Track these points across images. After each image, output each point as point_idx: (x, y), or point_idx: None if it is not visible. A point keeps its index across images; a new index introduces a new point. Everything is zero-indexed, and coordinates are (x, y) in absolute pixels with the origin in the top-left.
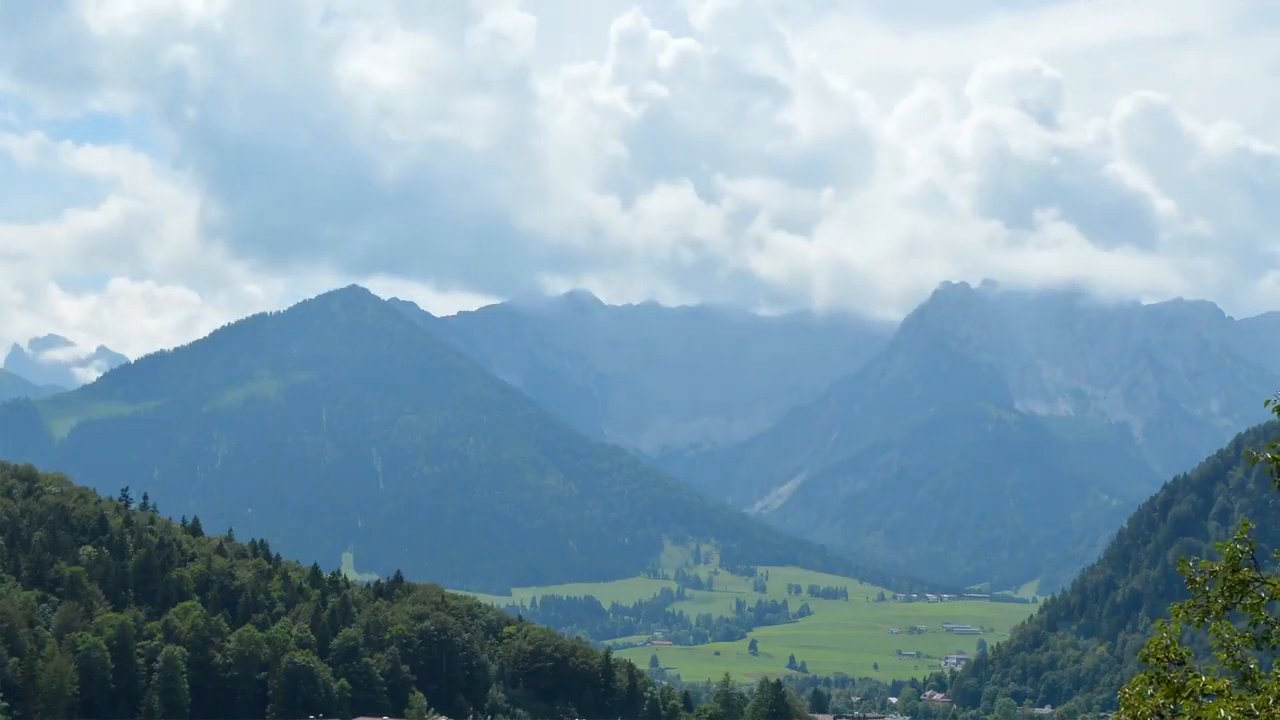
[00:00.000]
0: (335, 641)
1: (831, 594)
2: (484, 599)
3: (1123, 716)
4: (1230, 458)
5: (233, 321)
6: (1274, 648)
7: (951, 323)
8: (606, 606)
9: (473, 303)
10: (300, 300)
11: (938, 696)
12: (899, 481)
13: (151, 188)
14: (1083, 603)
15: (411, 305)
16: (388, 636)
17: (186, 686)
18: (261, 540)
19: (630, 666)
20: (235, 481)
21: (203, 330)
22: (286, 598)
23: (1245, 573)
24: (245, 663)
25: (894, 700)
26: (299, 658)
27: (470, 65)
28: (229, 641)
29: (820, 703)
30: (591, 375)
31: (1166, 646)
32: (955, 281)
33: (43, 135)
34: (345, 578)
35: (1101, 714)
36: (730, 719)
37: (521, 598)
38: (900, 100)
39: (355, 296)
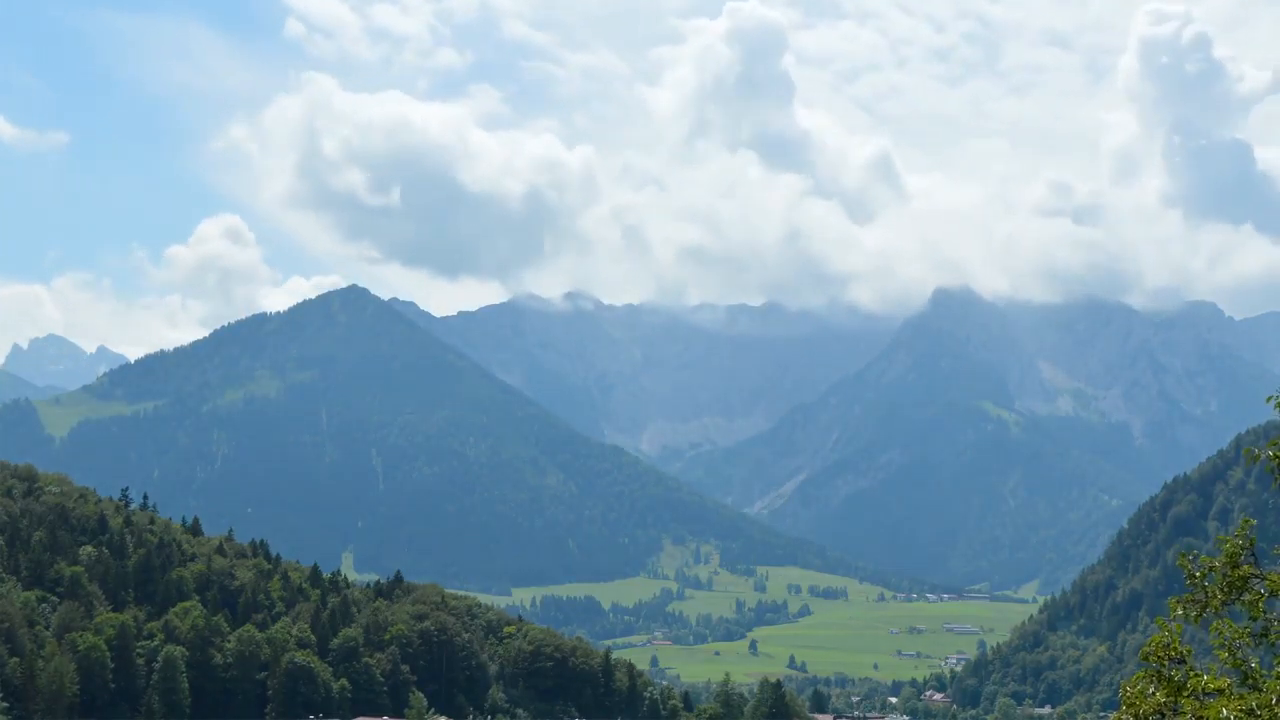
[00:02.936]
0: (335, 641)
1: (831, 594)
2: (484, 599)
3: (1124, 714)
4: (1230, 458)
5: (232, 321)
6: (1273, 644)
7: (951, 323)
8: (606, 606)
9: (473, 303)
10: (300, 300)
11: (938, 696)
12: (899, 481)
13: None
14: (1083, 603)
15: (411, 305)
16: (388, 636)
17: (186, 686)
18: (261, 540)
19: (630, 666)
20: (235, 481)
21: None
22: (286, 598)
23: (1245, 569)
24: (245, 663)
25: (894, 700)
26: (299, 658)
27: None
28: (229, 641)
29: (820, 703)
30: (591, 375)
31: (1167, 645)
32: (956, 282)
33: None
34: (345, 578)
35: (1101, 714)
36: (730, 719)
37: (521, 598)
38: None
39: (355, 296)
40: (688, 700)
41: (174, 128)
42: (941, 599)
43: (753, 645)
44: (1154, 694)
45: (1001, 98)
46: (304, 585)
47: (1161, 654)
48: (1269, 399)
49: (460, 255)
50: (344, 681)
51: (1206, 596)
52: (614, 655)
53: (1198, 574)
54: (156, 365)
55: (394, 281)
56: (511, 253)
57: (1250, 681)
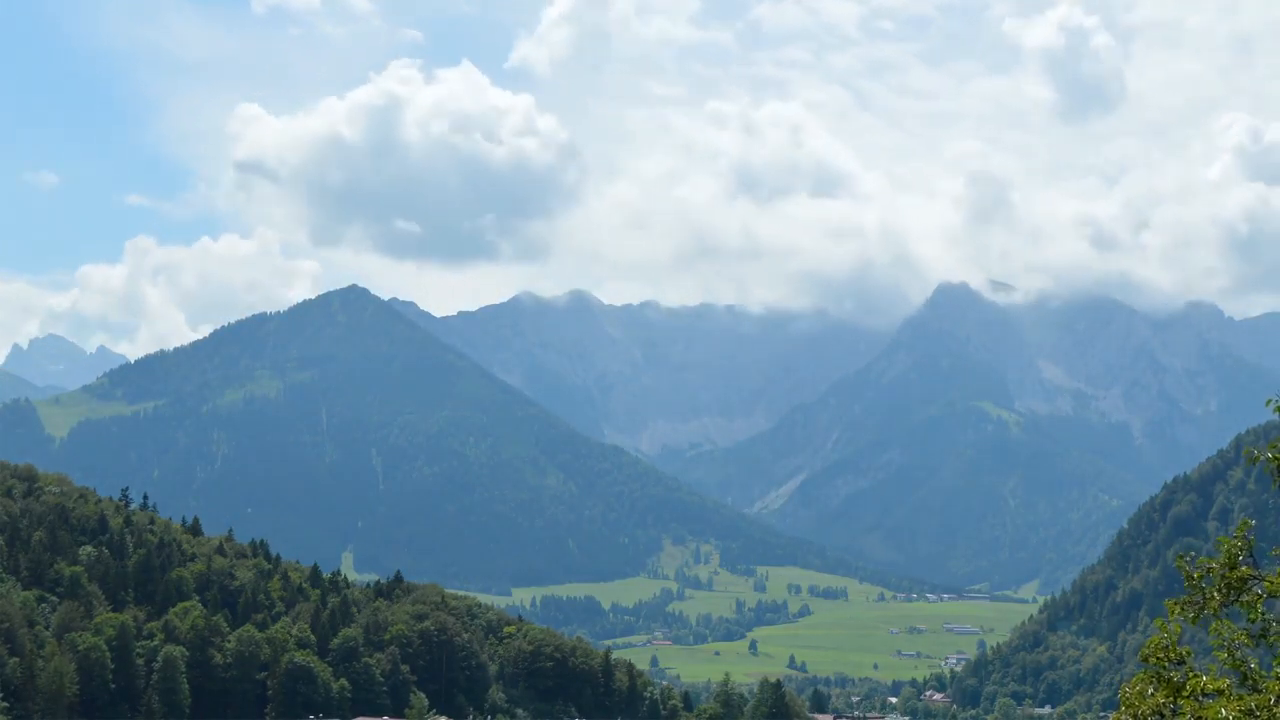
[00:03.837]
0: (335, 641)
1: (831, 594)
2: (484, 599)
3: (1123, 715)
4: (1230, 458)
5: (232, 321)
6: (1272, 645)
7: (951, 323)
8: (606, 606)
9: (473, 303)
10: (300, 300)
11: (938, 696)
12: (899, 481)
13: None
14: (1083, 603)
15: (411, 305)
16: (388, 636)
17: (186, 686)
18: (261, 540)
19: (630, 666)
20: (235, 481)
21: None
22: (286, 598)
23: (1244, 570)
24: (245, 663)
25: (894, 700)
26: (299, 658)
27: None
28: (229, 641)
29: (820, 703)
30: (591, 375)
31: (1166, 646)
32: (955, 281)
33: None
34: (345, 578)
35: (1101, 714)
36: (730, 719)
37: (521, 598)
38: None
39: (355, 296)
40: (688, 700)
41: (133, 97)
42: (941, 599)
43: (753, 645)
44: (1153, 695)
45: (981, 76)
46: (304, 585)
47: (1160, 655)
48: (1269, 402)
49: (447, 238)
50: (344, 681)
51: (1204, 598)
52: (614, 655)
53: (1196, 575)
54: (156, 365)
55: (365, 262)
56: (501, 234)
57: (1249, 682)
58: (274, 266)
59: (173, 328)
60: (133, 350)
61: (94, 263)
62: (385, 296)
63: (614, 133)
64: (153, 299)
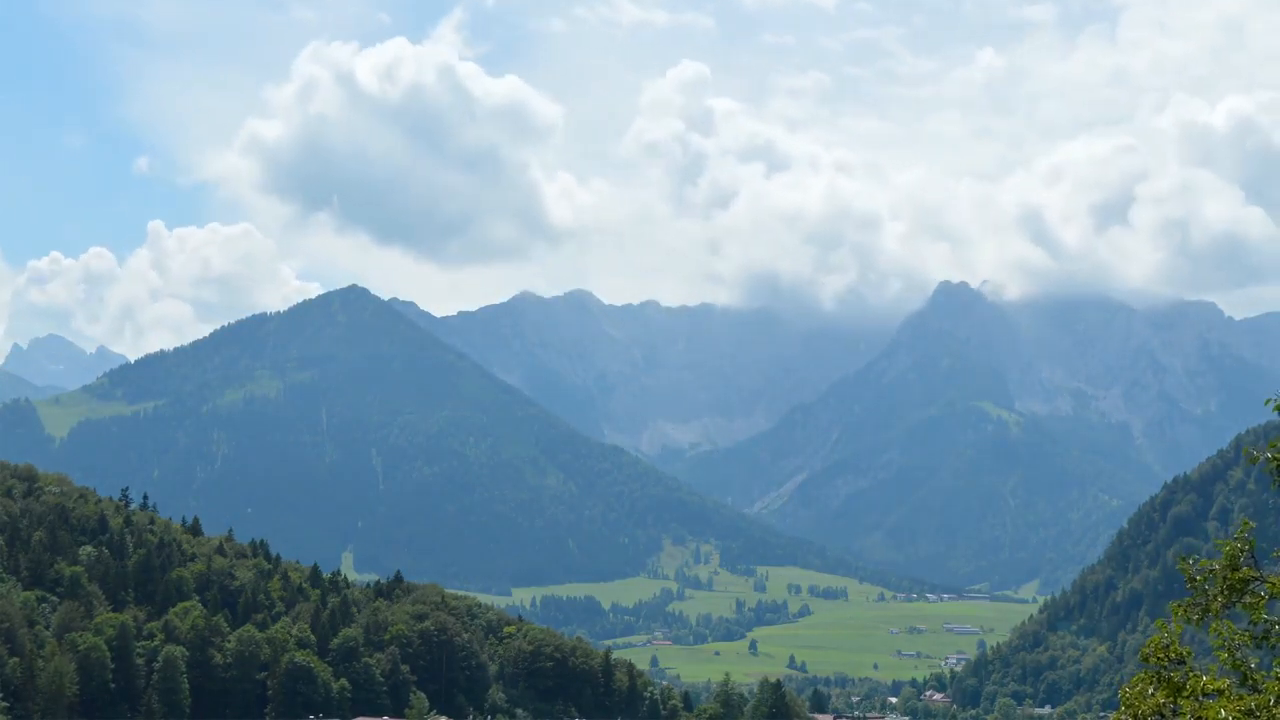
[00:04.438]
0: (335, 641)
1: (831, 594)
2: (484, 599)
3: (1124, 715)
4: (1230, 458)
5: (232, 322)
6: (1273, 647)
7: (951, 323)
8: (606, 606)
9: (473, 303)
10: (300, 300)
11: (938, 696)
12: (899, 481)
13: None
14: (1083, 603)
15: (411, 305)
16: (388, 636)
17: (186, 686)
18: (261, 540)
19: (630, 666)
20: (235, 481)
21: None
22: (286, 598)
23: (1245, 572)
24: (245, 663)
25: (894, 700)
26: (299, 658)
27: None
28: (229, 641)
29: (820, 703)
30: (591, 375)
31: (1166, 646)
32: (955, 281)
33: None
34: (345, 578)
35: (1101, 714)
36: (730, 719)
37: (521, 598)
38: None
39: (355, 296)
40: (688, 700)
41: (105, 73)
42: (941, 599)
43: (753, 645)
44: (1153, 695)
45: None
46: (304, 585)
47: (1161, 655)
48: (1268, 401)
49: (440, 225)
50: (344, 681)
51: (1207, 600)
52: (614, 655)
53: (1198, 577)
54: (156, 365)
55: (336, 246)
56: (483, 223)
57: (1249, 682)
58: (249, 256)
59: (141, 315)
60: (133, 350)
61: (60, 250)
62: (385, 296)
63: (595, 122)
64: (117, 287)
